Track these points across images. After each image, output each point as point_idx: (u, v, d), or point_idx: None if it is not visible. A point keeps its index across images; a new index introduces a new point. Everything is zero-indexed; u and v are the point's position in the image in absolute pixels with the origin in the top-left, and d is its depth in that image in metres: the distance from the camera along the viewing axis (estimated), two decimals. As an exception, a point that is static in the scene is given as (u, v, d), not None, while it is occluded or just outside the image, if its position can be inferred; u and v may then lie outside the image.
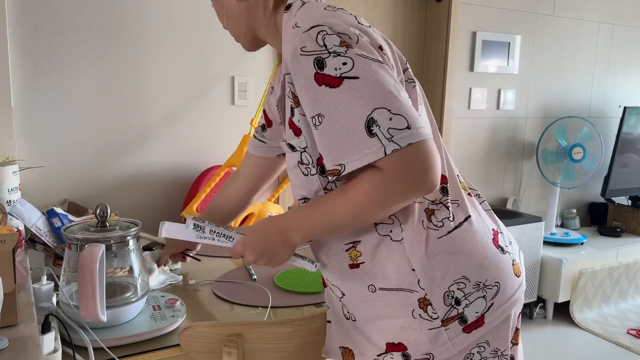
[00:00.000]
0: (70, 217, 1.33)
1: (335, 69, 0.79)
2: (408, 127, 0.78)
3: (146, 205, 2.31)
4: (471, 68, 3.02)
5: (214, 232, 0.93)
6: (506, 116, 3.23)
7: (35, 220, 1.23)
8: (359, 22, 0.88)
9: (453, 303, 0.86)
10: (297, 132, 0.90)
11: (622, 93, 3.78)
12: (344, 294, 0.93)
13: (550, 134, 3.21)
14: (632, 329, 2.91)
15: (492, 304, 0.88)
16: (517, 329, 0.97)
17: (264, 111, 1.15)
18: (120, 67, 2.17)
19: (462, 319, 0.86)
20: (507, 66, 3.16)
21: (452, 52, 2.92)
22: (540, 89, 3.37)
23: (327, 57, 0.80)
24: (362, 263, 0.89)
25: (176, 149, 2.35)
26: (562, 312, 3.11)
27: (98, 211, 1.03)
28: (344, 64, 0.80)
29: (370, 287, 0.89)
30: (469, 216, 0.91)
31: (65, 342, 0.92)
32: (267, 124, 1.15)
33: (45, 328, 0.84)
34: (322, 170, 0.89)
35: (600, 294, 3.12)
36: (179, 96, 2.31)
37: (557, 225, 3.54)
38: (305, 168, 0.91)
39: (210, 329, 0.93)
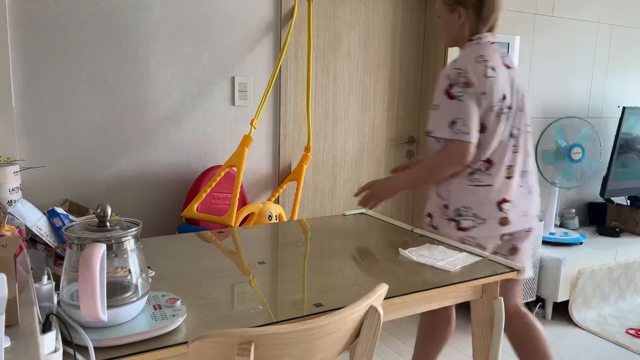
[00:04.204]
0: (71, 217, 1.33)
1: (454, 92, 1.69)
2: (466, 133, 1.67)
3: (146, 205, 2.31)
4: (470, 68, 3.02)
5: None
6: (505, 116, 3.23)
7: (36, 220, 1.24)
8: (493, 68, 1.70)
9: (457, 215, 1.77)
10: None
11: (621, 93, 3.79)
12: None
13: (550, 134, 3.22)
14: (631, 329, 2.91)
15: (475, 226, 1.76)
16: (515, 247, 1.82)
17: None
18: (121, 68, 2.18)
19: (458, 224, 1.78)
20: (507, 66, 3.16)
21: (451, 52, 2.93)
22: (540, 89, 3.38)
23: (455, 85, 1.69)
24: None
25: (176, 149, 2.35)
26: (561, 311, 3.11)
27: (98, 211, 1.04)
28: (460, 93, 1.68)
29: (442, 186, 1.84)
30: (491, 185, 1.74)
31: (66, 341, 0.93)
32: None
33: (46, 328, 0.85)
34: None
35: (599, 294, 3.13)
36: (179, 96, 2.32)
37: (556, 225, 3.54)
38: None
39: (222, 338, 0.91)
